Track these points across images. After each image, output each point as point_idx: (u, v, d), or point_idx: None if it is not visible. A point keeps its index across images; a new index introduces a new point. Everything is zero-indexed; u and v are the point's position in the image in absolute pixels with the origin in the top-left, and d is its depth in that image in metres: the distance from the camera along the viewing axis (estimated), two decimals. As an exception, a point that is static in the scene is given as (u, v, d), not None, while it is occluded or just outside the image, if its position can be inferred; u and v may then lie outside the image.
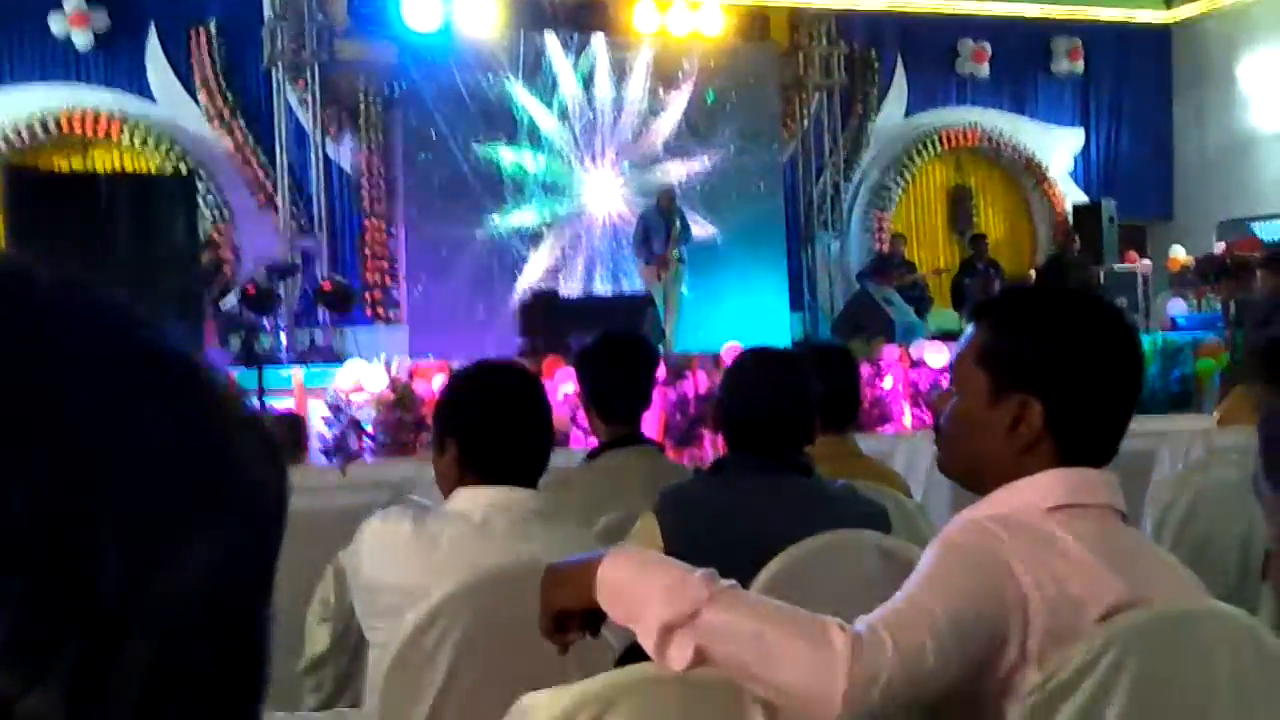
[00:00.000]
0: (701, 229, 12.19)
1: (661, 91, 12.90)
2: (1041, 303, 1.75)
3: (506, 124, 12.32)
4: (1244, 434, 3.25)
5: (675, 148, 12.87)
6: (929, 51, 14.27)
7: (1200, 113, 14.91)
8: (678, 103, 12.95)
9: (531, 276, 12.25)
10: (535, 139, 12.45)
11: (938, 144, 14.38)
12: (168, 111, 11.80)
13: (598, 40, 12.75)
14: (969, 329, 1.74)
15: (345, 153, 12.23)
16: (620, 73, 12.82)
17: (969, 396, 1.69)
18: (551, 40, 12.60)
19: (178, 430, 0.52)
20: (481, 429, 2.19)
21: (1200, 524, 3.14)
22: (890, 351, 9.66)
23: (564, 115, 12.60)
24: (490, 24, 12.29)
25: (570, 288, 12.13)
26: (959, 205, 14.62)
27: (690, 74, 12.93)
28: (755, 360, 2.51)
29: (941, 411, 1.75)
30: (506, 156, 12.31)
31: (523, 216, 12.37)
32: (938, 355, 9.49)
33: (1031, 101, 14.79)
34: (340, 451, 7.30)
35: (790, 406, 2.39)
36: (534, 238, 12.40)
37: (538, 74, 12.52)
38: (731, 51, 13.16)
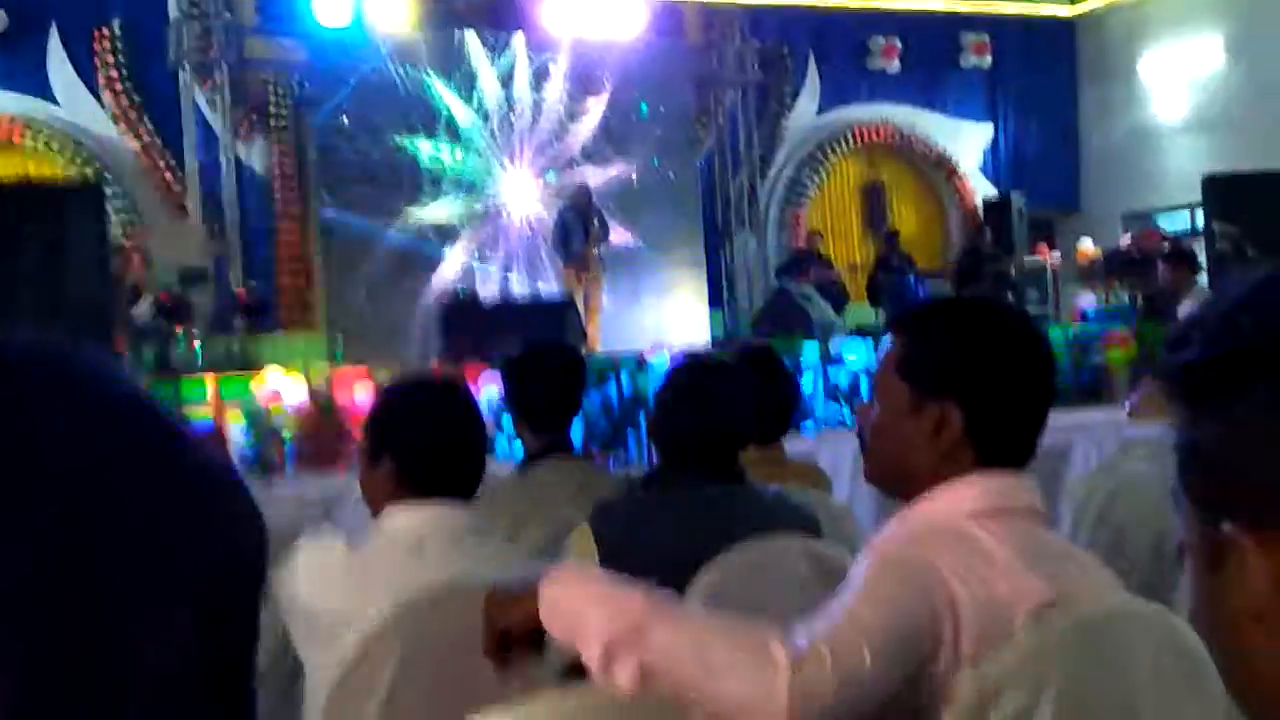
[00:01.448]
0: (620, 235, 12.22)
1: (580, 96, 12.90)
2: (956, 312, 1.81)
3: (424, 117, 12.22)
4: (1155, 426, 3.34)
5: (593, 152, 12.89)
6: (840, 47, 14.43)
7: (1104, 106, 15.26)
8: (596, 109, 12.95)
9: (447, 274, 12.19)
10: (453, 133, 12.38)
11: (851, 140, 14.55)
12: (72, 114, 11.55)
13: (517, 40, 12.72)
14: (886, 340, 1.79)
15: (257, 155, 12.07)
16: (540, 75, 12.80)
17: (890, 407, 1.75)
18: (471, 38, 12.54)
19: (159, 489, 0.53)
20: (420, 446, 2.19)
21: (1116, 517, 3.23)
22: (810, 349, 9.75)
23: (483, 113, 12.56)
24: (403, 19, 12.20)
25: (486, 288, 12.09)
26: (873, 201, 14.81)
27: (608, 80, 12.94)
28: (688, 371, 2.54)
29: (864, 423, 1.80)
30: (424, 149, 12.23)
31: (439, 211, 12.29)
32: (856, 351, 9.60)
33: (941, 96, 15.03)
34: (261, 465, 7.21)
35: (722, 417, 2.43)
36: (450, 234, 12.33)
37: (456, 70, 12.45)
38: (646, 49, 13.21)
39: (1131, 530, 3.16)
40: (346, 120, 11.93)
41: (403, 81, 12.15)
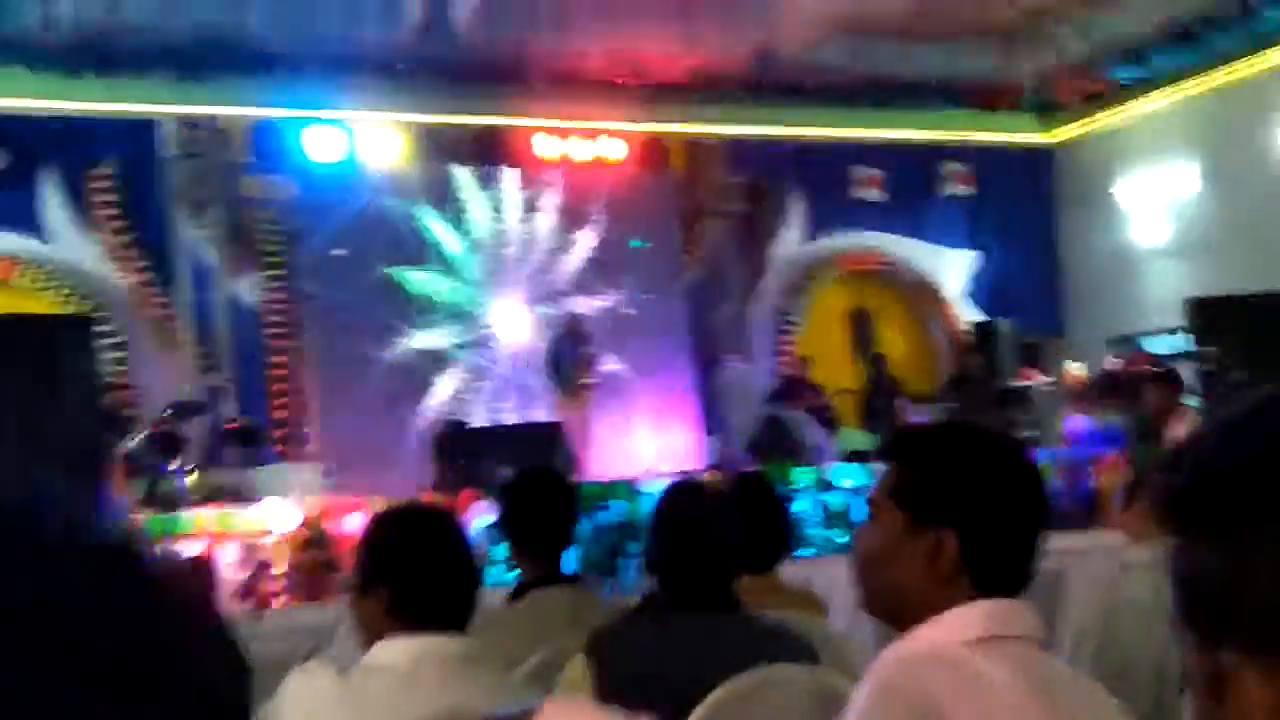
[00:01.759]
0: (610, 365, 12.29)
1: (569, 228, 13.11)
2: (949, 439, 1.82)
3: (414, 248, 12.40)
4: (1151, 550, 3.33)
5: (582, 284, 13.04)
6: (824, 178, 14.66)
7: (1085, 231, 15.50)
8: (584, 241, 13.15)
9: (438, 399, 12.21)
10: (444, 263, 12.54)
11: (836, 268, 14.73)
12: (65, 252, 11.66)
13: (508, 175, 12.95)
14: (881, 466, 1.80)
15: (249, 289, 12.17)
16: (530, 208, 13.02)
17: (885, 533, 1.74)
18: (462, 172, 12.78)
19: (127, 642, 0.53)
20: (413, 576, 2.18)
21: (1117, 643, 3.19)
22: (804, 474, 9.74)
23: (473, 244, 12.73)
24: (394, 155, 12.45)
25: (477, 414, 12.11)
26: (860, 327, 14.93)
27: (596, 212, 13.17)
28: (681, 498, 2.54)
29: (859, 550, 1.79)
30: (415, 279, 12.37)
31: (429, 339, 12.38)
32: (850, 476, 9.59)
33: (925, 224, 15.24)
34: (251, 596, 7.13)
35: (717, 545, 2.42)
36: (440, 362, 12.39)
37: (446, 202, 12.66)
38: (632, 182, 13.45)
39: (1134, 656, 3.13)
40: (337, 252, 12.08)
41: (394, 213, 12.34)
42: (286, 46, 10.56)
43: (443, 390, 12.30)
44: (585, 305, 12.63)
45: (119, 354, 11.48)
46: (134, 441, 9.16)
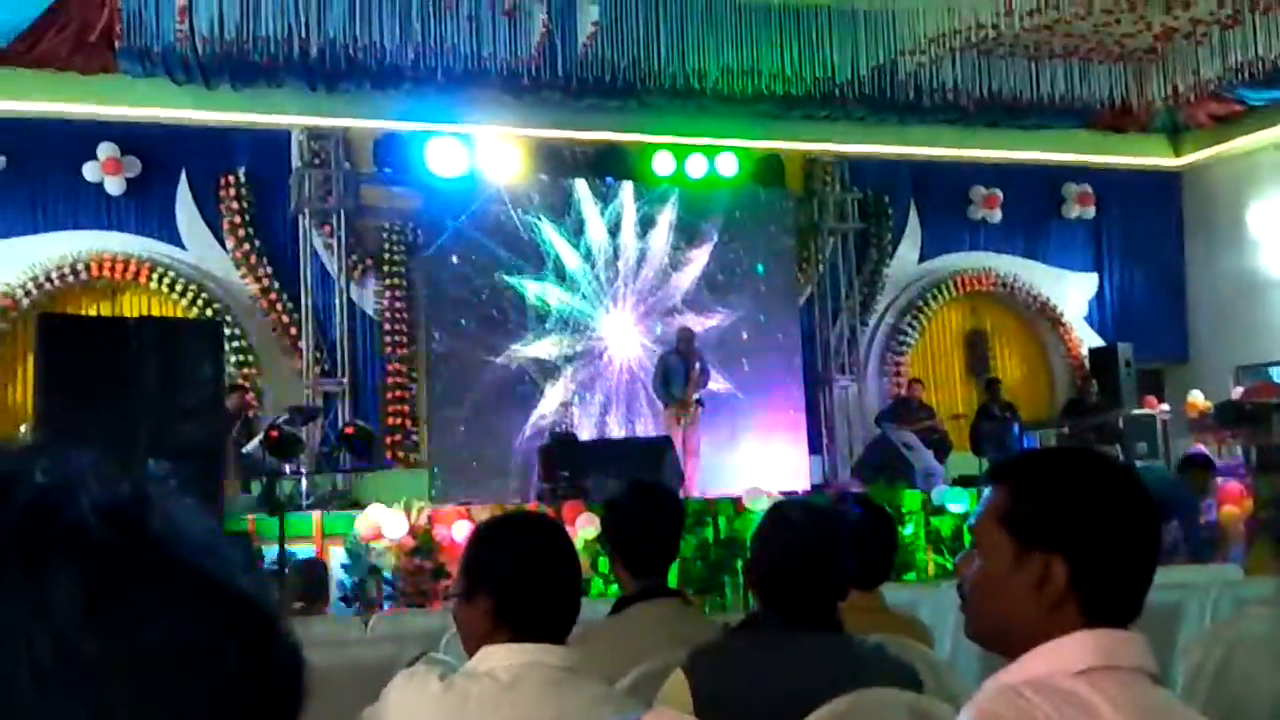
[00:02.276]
0: (718, 384, 12.27)
1: (684, 246, 13.13)
2: (1058, 463, 1.78)
3: (532, 258, 12.54)
4: (1272, 584, 3.22)
5: (694, 302, 13.05)
6: (942, 197, 14.51)
7: (1211, 257, 15.07)
8: (699, 259, 13.16)
9: (546, 409, 12.30)
10: (560, 275, 12.66)
11: (952, 288, 14.53)
12: (196, 257, 12.04)
13: (626, 190, 13.04)
14: (987, 490, 1.76)
15: (369, 296, 12.43)
16: (646, 223, 13.08)
17: (992, 558, 1.70)
18: (582, 186, 12.90)
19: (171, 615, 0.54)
20: (517, 585, 2.19)
21: (1232, 681, 3.09)
22: (911, 496, 9.62)
23: (589, 257, 12.83)
24: (514, 170, 12.61)
25: (584, 425, 12.19)
26: (975, 349, 14.70)
27: (712, 230, 13.17)
28: (788, 516, 2.52)
29: (965, 576, 1.76)
30: (531, 288, 12.51)
31: (542, 348, 12.50)
32: (959, 501, 9.45)
33: (1044, 246, 14.98)
34: (359, 600, 7.25)
35: (823, 565, 2.40)
36: (551, 371, 12.50)
37: (565, 215, 12.79)
38: (749, 198, 13.42)
39: (1249, 691, 3.03)
40: (456, 259, 12.27)
41: (513, 223, 12.49)
42: (412, 61, 10.77)
43: (551, 400, 12.40)
44: (696, 323, 12.62)
45: (243, 357, 11.81)
46: (253, 444, 9.41)
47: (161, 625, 0.52)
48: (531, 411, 12.32)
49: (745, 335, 13.15)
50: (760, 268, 13.42)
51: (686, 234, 13.15)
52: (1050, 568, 1.64)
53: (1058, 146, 14.58)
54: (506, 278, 12.41)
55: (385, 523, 7.97)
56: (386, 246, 12.43)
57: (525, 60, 10.58)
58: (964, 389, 14.47)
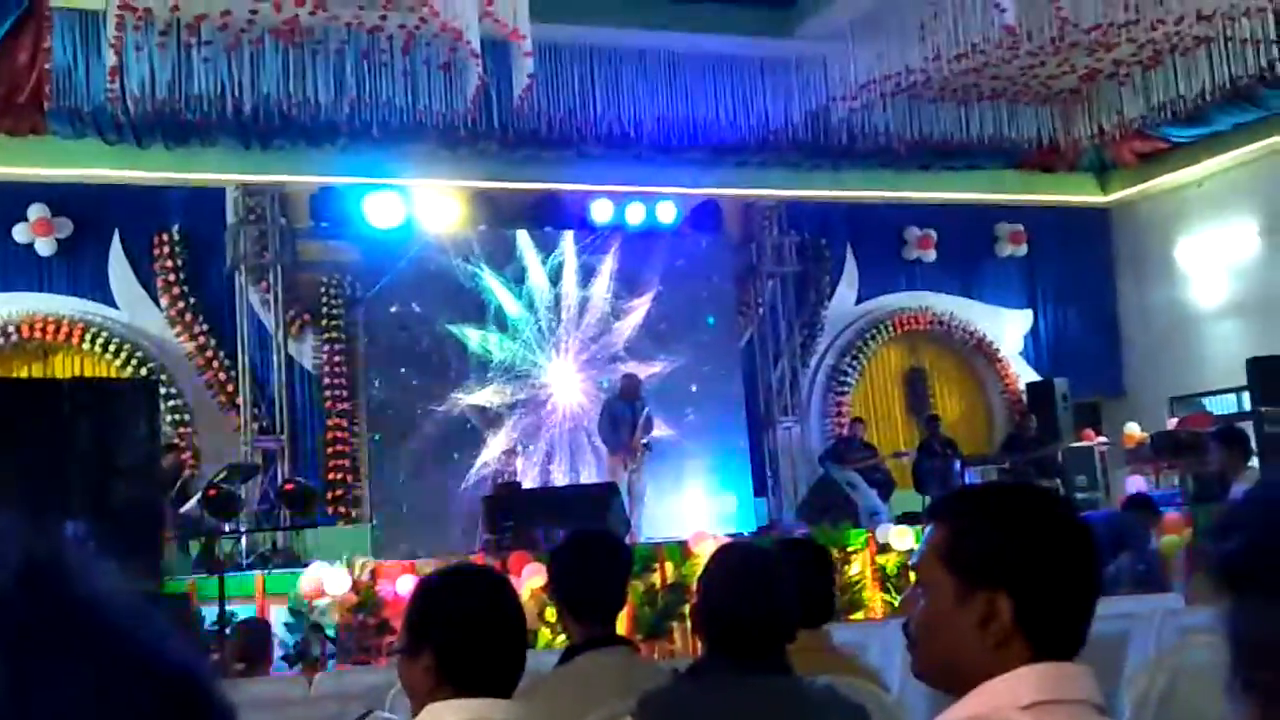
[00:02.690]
0: (662, 429, 12.27)
1: (626, 295, 13.16)
2: (999, 498, 1.78)
3: (474, 307, 12.50)
4: (1213, 614, 3.25)
5: (636, 349, 13.07)
6: (877, 238, 14.68)
7: (1143, 291, 15.34)
8: (641, 307, 13.19)
9: (489, 457, 12.19)
10: (502, 323, 12.63)
11: (891, 328, 14.67)
12: (129, 316, 11.89)
13: (566, 239, 13.06)
14: (928, 529, 1.76)
15: (307, 351, 12.32)
16: (588, 272, 13.09)
17: (936, 597, 1.70)
18: (523, 236, 12.90)
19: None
20: (460, 640, 2.16)
21: (1177, 709, 3.12)
22: (857, 536, 9.65)
23: (531, 306, 12.82)
24: (453, 220, 12.60)
25: (527, 473, 12.12)
26: (914, 387, 14.84)
27: (653, 276, 13.22)
28: (730, 560, 2.51)
29: (910, 615, 1.75)
30: (473, 336, 12.46)
31: (484, 395, 12.43)
32: (903, 539, 9.49)
33: (979, 284, 15.18)
34: (302, 659, 7.12)
35: (768, 606, 2.39)
36: (494, 419, 12.42)
37: (507, 265, 12.77)
38: (689, 244, 13.50)
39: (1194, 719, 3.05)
40: (395, 308, 12.20)
41: (453, 274, 12.45)
42: (347, 115, 10.76)
43: (494, 449, 12.32)
44: (641, 370, 12.63)
45: (179, 416, 11.65)
46: (191, 504, 9.26)
47: (87, 699, 0.51)
48: (474, 460, 12.23)
49: (687, 380, 13.17)
50: (711, 319, 13.49)
51: (628, 282, 13.19)
52: (994, 605, 1.64)
53: (988, 187, 14.82)
54: (449, 326, 12.36)
55: (328, 579, 7.86)
56: (325, 300, 12.35)
57: (461, 113, 10.60)
58: (905, 426, 14.57)
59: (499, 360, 12.56)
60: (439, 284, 12.36)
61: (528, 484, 11.68)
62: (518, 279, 12.80)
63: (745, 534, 11.20)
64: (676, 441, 12.77)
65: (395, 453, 12.00)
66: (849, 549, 9.46)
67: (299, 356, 12.29)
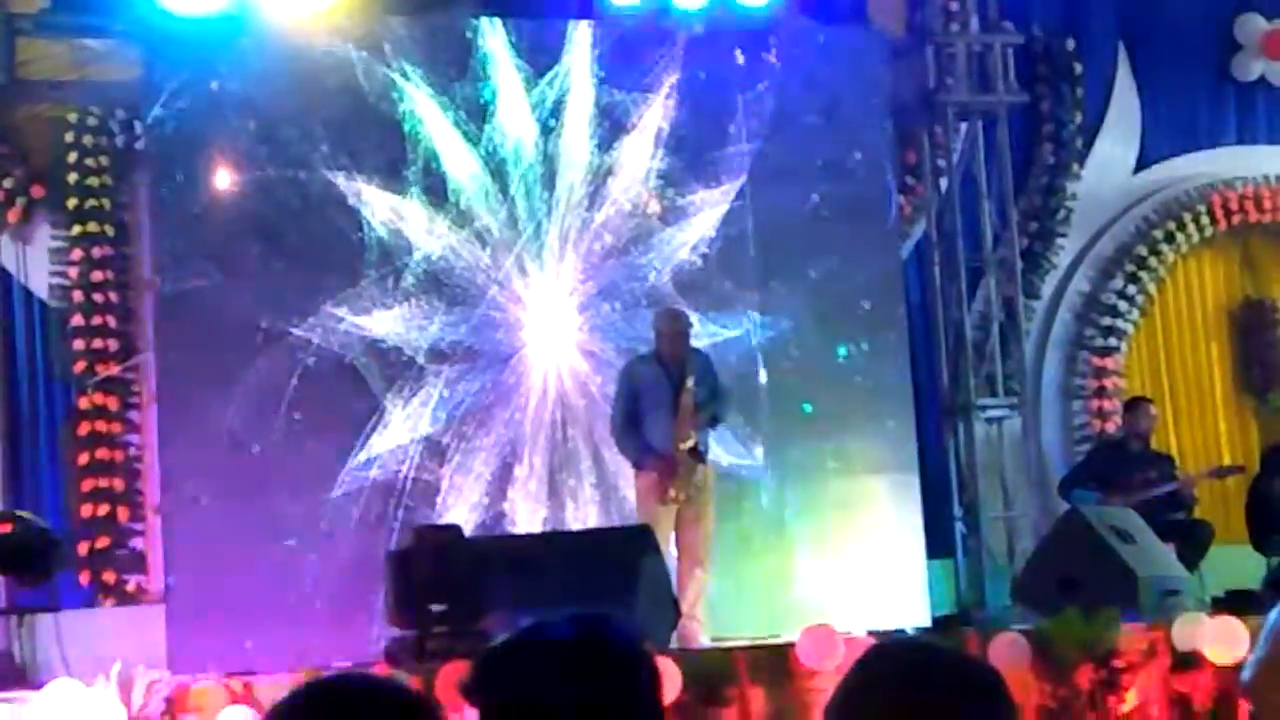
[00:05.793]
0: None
1: (690, 173, 13.12)
2: None
3: (378, 151, 12.56)
4: None
5: (699, 280, 13.04)
6: (1180, 38, 14.72)
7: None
8: (718, 205, 13.12)
9: (383, 447, 12.22)
10: (436, 188, 12.66)
11: (1206, 218, 14.77)
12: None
13: (577, 36, 13.00)
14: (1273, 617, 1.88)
15: (38, 259, 12.43)
16: (617, 116, 13.04)
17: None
18: (491, 30, 12.86)
19: None
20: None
21: None
22: (1134, 636, 9.67)
23: (498, 162, 12.80)
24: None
25: (466, 495, 12.33)
26: (1252, 337, 14.85)
27: (739, 135, 13.17)
28: (886, 674, 2.53)
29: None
30: (376, 204, 12.41)
31: (389, 321, 12.39)
32: (1229, 641, 9.49)
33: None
34: None
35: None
36: (404, 370, 12.39)
37: (457, 80, 12.75)
38: (803, 39, 13.35)
39: None
40: (216, 157, 12.14)
41: (341, 81, 12.42)
42: None
43: (397, 431, 12.25)
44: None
45: None
46: None
47: None
48: (356, 444, 12.20)
49: (795, 340, 13.06)
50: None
51: (692, 147, 13.12)
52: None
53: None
54: (328, 177, 12.32)
55: (79, 714, 7.96)
56: (72, 154, 12.46)
57: None
58: (1233, 418, 14.61)
59: (425, 256, 12.55)
60: (308, 101, 12.37)
61: (465, 521, 11.80)
62: (474, 109, 12.82)
63: (909, 630, 11.27)
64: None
65: (209, 443, 11.86)
66: (1115, 661, 9.51)
67: (20, 271, 12.43)
